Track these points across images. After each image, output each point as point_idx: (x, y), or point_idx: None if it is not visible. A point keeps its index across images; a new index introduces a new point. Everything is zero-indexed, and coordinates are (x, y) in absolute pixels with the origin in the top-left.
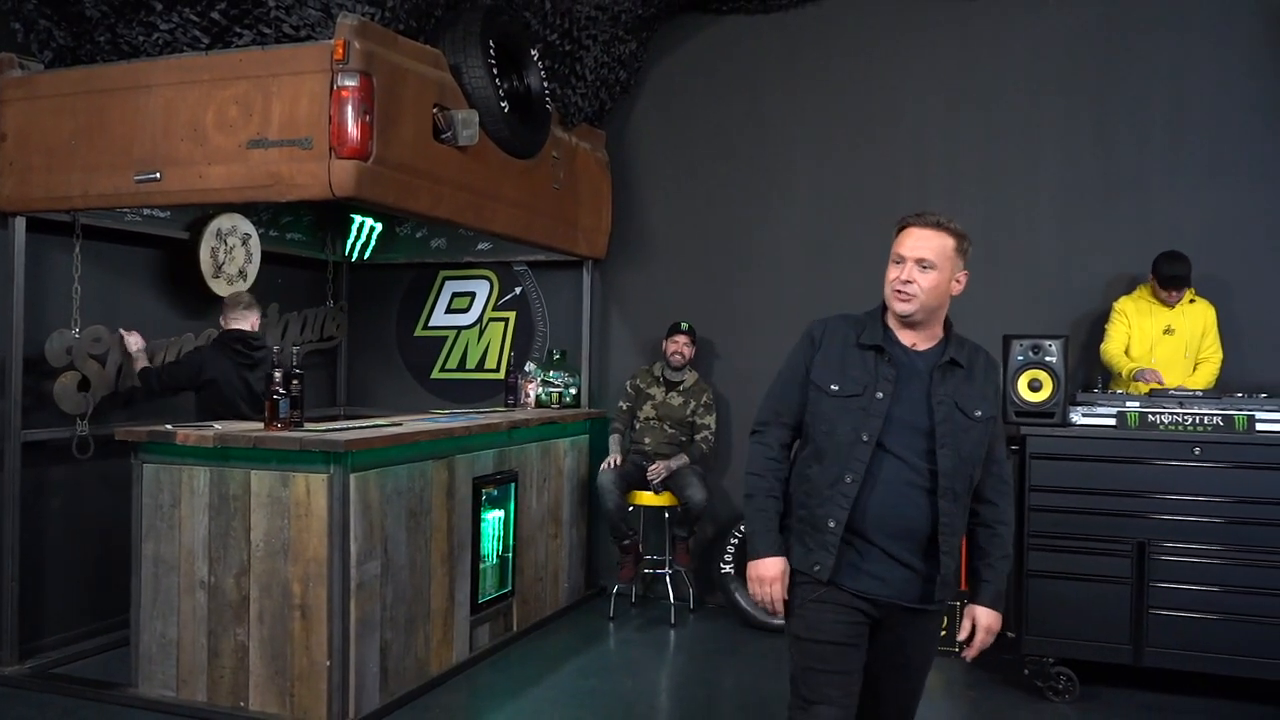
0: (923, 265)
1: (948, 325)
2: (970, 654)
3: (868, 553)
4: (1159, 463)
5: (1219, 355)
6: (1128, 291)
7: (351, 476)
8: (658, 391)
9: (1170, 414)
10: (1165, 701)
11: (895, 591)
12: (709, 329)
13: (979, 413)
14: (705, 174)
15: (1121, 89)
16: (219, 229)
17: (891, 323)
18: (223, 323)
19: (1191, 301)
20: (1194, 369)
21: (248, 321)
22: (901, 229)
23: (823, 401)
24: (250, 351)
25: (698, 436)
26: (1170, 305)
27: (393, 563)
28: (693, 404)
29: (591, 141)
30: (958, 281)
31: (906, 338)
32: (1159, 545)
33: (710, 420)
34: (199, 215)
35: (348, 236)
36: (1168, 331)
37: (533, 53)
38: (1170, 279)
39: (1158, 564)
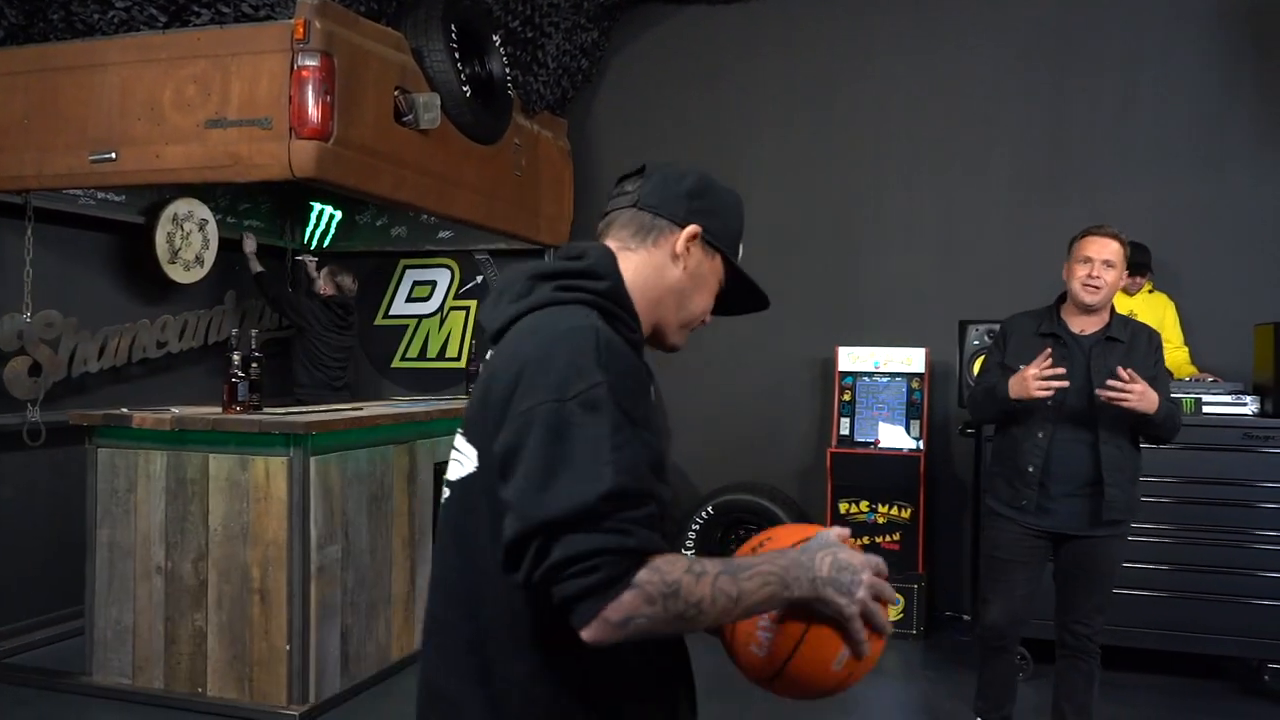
0: (1108, 265)
1: (1112, 311)
2: (1110, 390)
3: (1047, 491)
4: None
5: (1184, 347)
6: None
7: (312, 460)
8: None
9: None
10: (1117, 678)
11: (1061, 522)
12: None
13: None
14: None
15: (1074, 81)
16: (175, 214)
17: (1066, 313)
18: (323, 288)
19: (1150, 292)
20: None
21: (346, 287)
22: (1083, 236)
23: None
24: (347, 315)
25: None
26: (1130, 293)
27: (354, 547)
28: None
29: (553, 130)
30: (1125, 277)
31: (1076, 324)
32: None
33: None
34: (155, 199)
35: (307, 224)
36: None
37: (495, 38)
38: (1133, 265)
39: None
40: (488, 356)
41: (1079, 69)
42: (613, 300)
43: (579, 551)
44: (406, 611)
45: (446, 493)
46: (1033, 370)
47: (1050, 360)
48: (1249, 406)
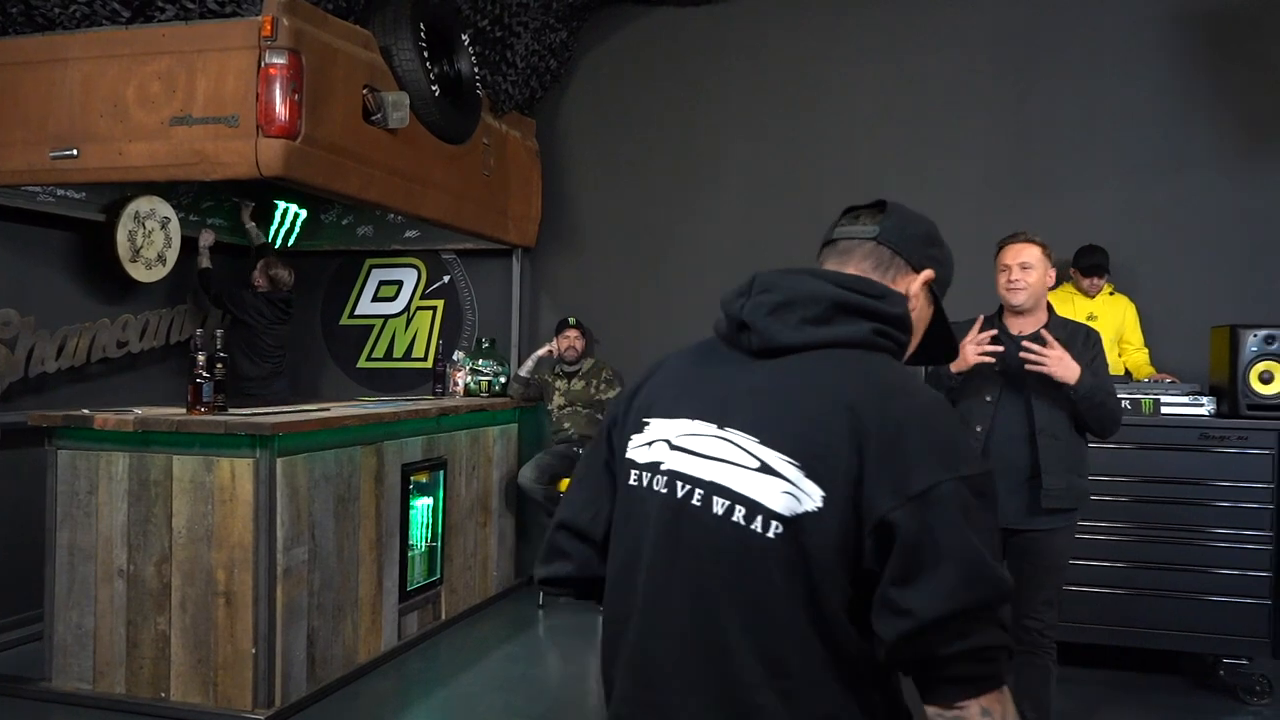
0: (1025, 267)
1: (1051, 312)
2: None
3: None
4: None
5: (1144, 349)
6: (1050, 287)
7: (279, 461)
8: (561, 383)
9: None
10: (1075, 674)
11: (1003, 517)
12: (639, 317)
13: None
14: (636, 164)
15: (1037, 87)
16: (137, 212)
17: (1005, 318)
18: (261, 279)
19: (1112, 294)
20: (1119, 356)
21: (282, 281)
22: (1002, 246)
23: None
24: (288, 307)
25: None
26: (1090, 295)
27: (320, 549)
28: (594, 382)
29: (521, 130)
30: (1049, 278)
31: (1014, 326)
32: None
33: (613, 394)
34: (116, 197)
35: (271, 223)
36: (1090, 318)
37: (463, 37)
38: (1091, 268)
39: (1076, 541)
40: (768, 368)
41: (1042, 75)
42: (904, 357)
43: (996, 644)
44: (374, 613)
45: (660, 486)
46: (971, 343)
47: (988, 335)
48: (1205, 407)
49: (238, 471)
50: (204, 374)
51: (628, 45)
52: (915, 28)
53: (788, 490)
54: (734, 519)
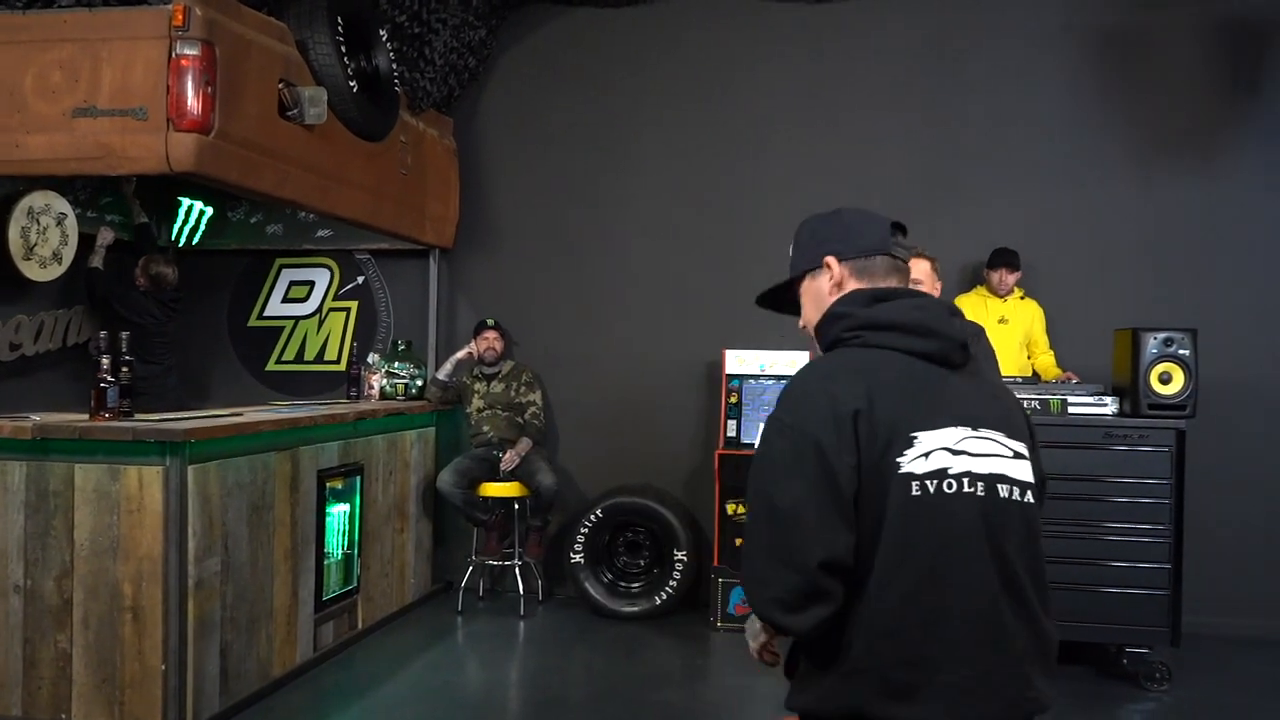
0: (914, 283)
1: None
2: None
3: None
4: None
5: (1051, 351)
6: (962, 290)
7: (190, 468)
8: (480, 385)
9: None
10: None
11: None
12: (558, 318)
13: None
14: (555, 165)
15: (949, 96)
16: (30, 207)
17: None
18: (143, 278)
19: (1022, 298)
20: (1029, 359)
21: (167, 280)
22: None
23: None
24: (177, 305)
25: (526, 414)
26: (1001, 295)
27: (234, 559)
28: (514, 384)
29: (439, 128)
30: (935, 290)
31: None
32: None
33: (535, 397)
34: (9, 191)
35: (175, 220)
36: (1002, 321)
37: (381, 33)
38: (1002, 263)
39: None
40: (964, 378)
41: (954, 84)
42: None
43: None
44: (289, 625)
45: (961, 488)
46: None
47: None
48: (1109, 406)
49: (146, 480)
50: (109, 378)
51: (548, 45)
52: (831, 36)
53: (1027, 466)
54: (1015, 498)
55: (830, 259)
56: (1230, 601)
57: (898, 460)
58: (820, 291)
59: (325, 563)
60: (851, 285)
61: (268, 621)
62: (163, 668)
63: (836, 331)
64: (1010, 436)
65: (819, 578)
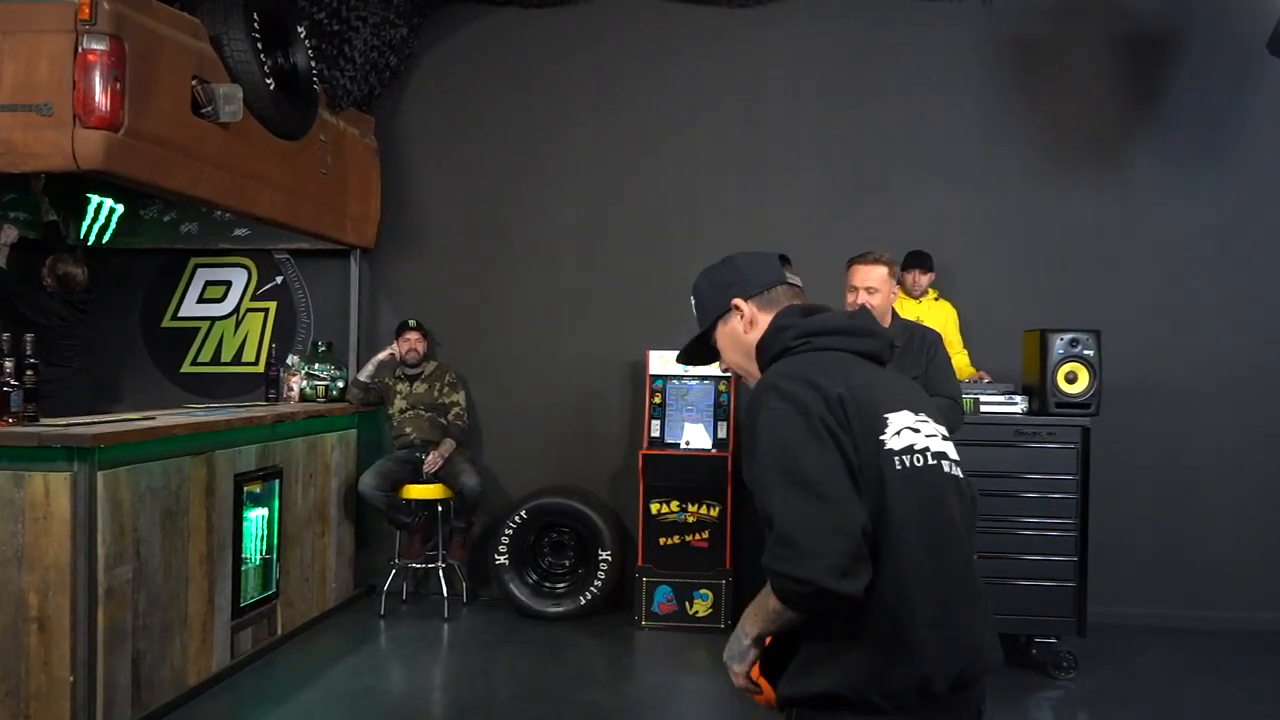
0: (871, 291)
1: (895, 318)
2: None
3: None
4: None
5: (964, 351)
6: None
7: (100, 474)
8: (403, 386)
9: None
10: None
11: None
12: (482, 318)
13: (912, 375)
14: (478, 165)
15: (869, 100)
16: None
17: None
18: (50, 279)
19: (936, 300)
20: None
21: (76, 280)
22: (852, 264)
23: None
24: (87, 305)
25: (450, 415)
26: (915, 297)
27: (146, 566)
28: (437, 385)
29: (360, 127)
30: (894, 295)
31: None
32: None
33: (458, 397)
34: None
35: (84, 218)
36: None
37: (299, 30)
38: (915, 265)
39: None
40: (889, 371)
41: (873, 90)
42: None
43: None
44: (204, 632)
45: (925, 461)
46: None
47: None
48: (1019, 405)
49: (52, 487)
50: (12, 381)
51: (471, 44)
52: (753, 39)
53: (953, 447)
54: (955, 474)
55: (738, 300)
56: (1134, 592)
57: (880, 439)
58: (736, 333)
59: (243, 568)
60: (763, 318)
61: (182, 629)
62: (71, 679)
63: (784, 341)
64: (937, 422)
65: (859, 543)
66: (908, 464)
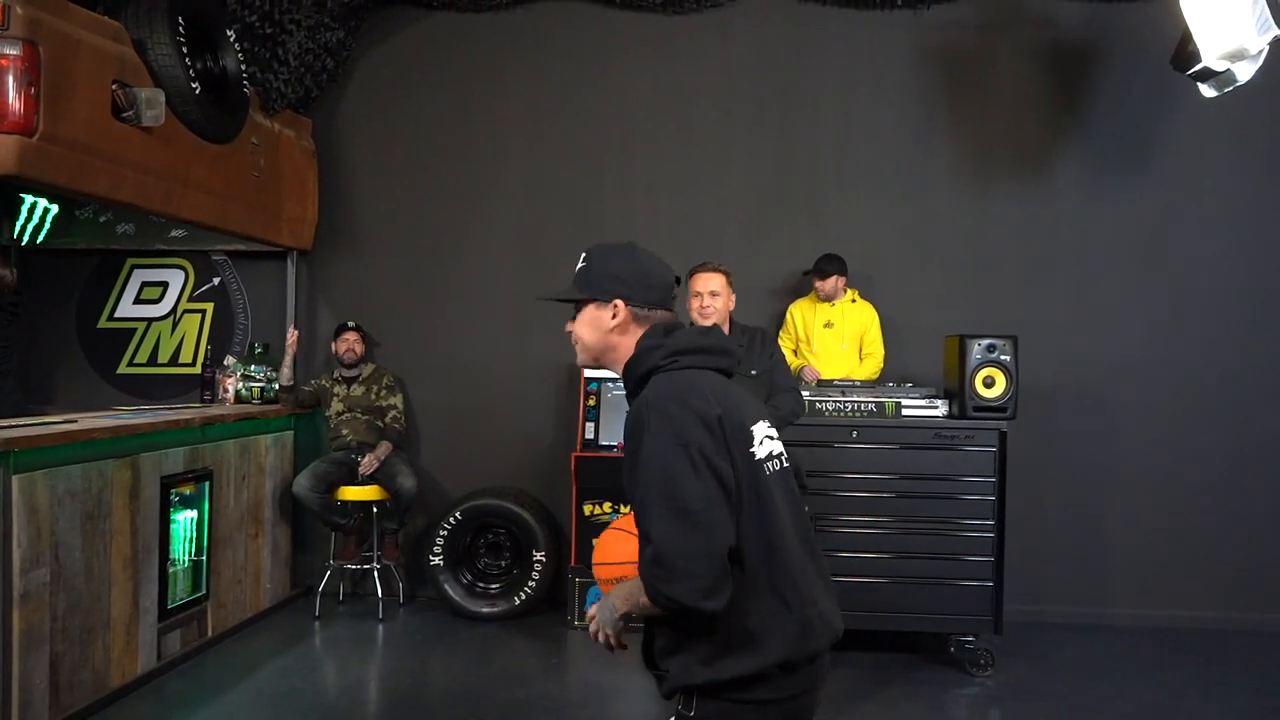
0: (714, 294)
1: (732, 323)
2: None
3: None
4: (824, 446)
5: (881, 351)
6: (802, 294)
7: (14, 478)
8: (340, 388)
9: (833, 402)
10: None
11: None
12: (420, 321)
13: (754, 372)
14: (417, 167)
15: (798, 109)
16: None
17: None
18: None
19: (854, 302)
20: (860, 362)
21: (7, 282)
22: (693, 273)
23: None
24: (16, 308)
25: (387, 418)
26: (827, 300)
27: (65, 570)
28: (375, 388)
29: (296, 129)
30: (732, 301)
31: None
32: (827, 519)
33: (395, 400)
34: None
35: (16, 218)
36: (827, 325)
37: (228, 33)
38: (820, 272)
39: (825, 535)
40: (735, 384)
41: (802, 97)
42: None
43: None
44: (129, 634)
45: (781, 465)
46: None
47: None
48: (940, 409)
49: None
50: None
51: (409, 47)
52: (687, 46)
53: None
54: (787, 468)
55: (619, 302)
56: (1051, 591)
57: (751, 450)
58: (602, 323)
59: (170, 570)
60: (633, 329)
61: (105, 631)
62: None
63: (654, 360)
64: (770, 424)
65: (726, 565)
66: (771, 470)
